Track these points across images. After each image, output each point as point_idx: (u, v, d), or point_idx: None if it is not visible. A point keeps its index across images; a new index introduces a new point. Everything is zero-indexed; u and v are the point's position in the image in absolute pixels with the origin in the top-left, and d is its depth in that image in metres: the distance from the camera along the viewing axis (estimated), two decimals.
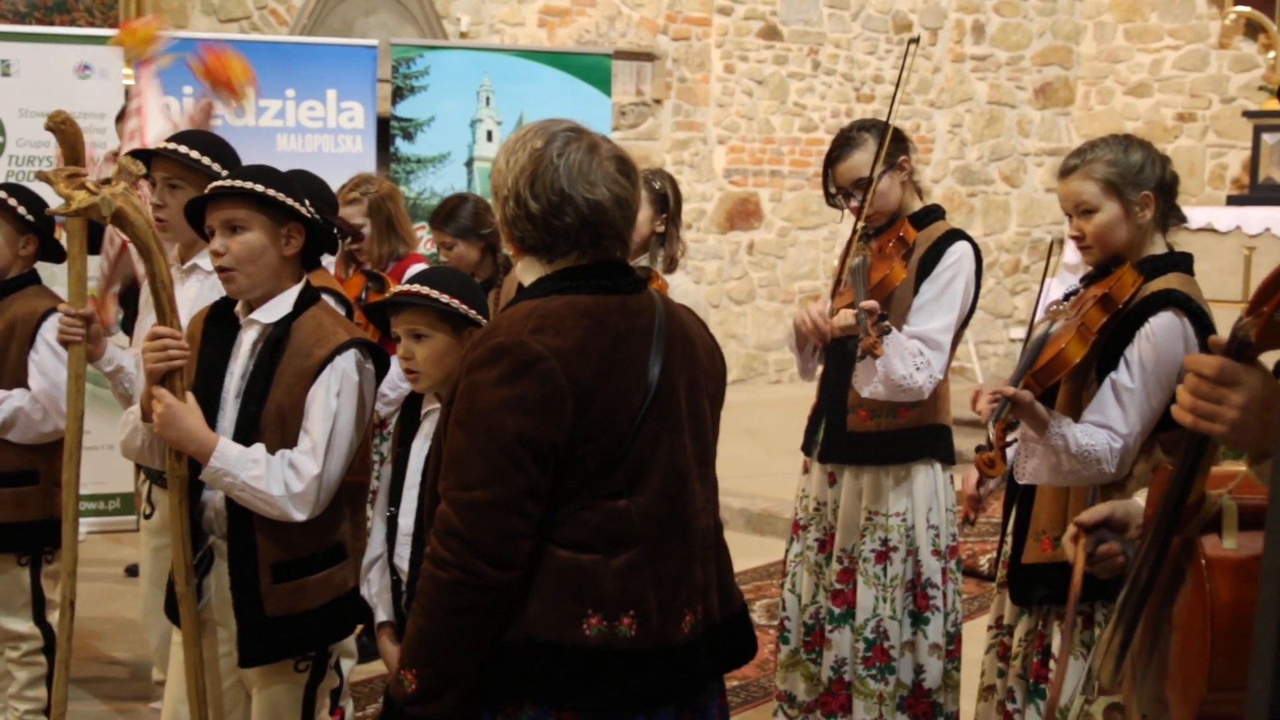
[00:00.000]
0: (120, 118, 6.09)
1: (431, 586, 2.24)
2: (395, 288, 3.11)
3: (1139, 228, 3.11)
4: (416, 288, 2.93)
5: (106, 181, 2.99)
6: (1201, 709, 1.83)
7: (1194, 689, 1.85)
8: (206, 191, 2.98)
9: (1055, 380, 3.05)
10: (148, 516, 3.95)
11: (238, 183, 2.94)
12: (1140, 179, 3.08)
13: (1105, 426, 2.97)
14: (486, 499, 2.20)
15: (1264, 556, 1.23)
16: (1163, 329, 2.96)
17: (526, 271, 2.39)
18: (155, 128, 4.77)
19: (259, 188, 2.93)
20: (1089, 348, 3.00)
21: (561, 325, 2.24)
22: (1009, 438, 3.05)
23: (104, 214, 2.92)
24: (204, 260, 3.59)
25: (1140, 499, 2.29)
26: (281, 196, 2.95)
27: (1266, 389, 1.78)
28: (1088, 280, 3.19)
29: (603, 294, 2.32)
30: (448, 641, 2.24)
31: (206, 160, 3.48)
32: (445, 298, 2.90)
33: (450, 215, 4.92)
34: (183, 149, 3.49)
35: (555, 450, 2.22)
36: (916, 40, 3.78)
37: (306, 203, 3.05)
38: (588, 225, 2.31)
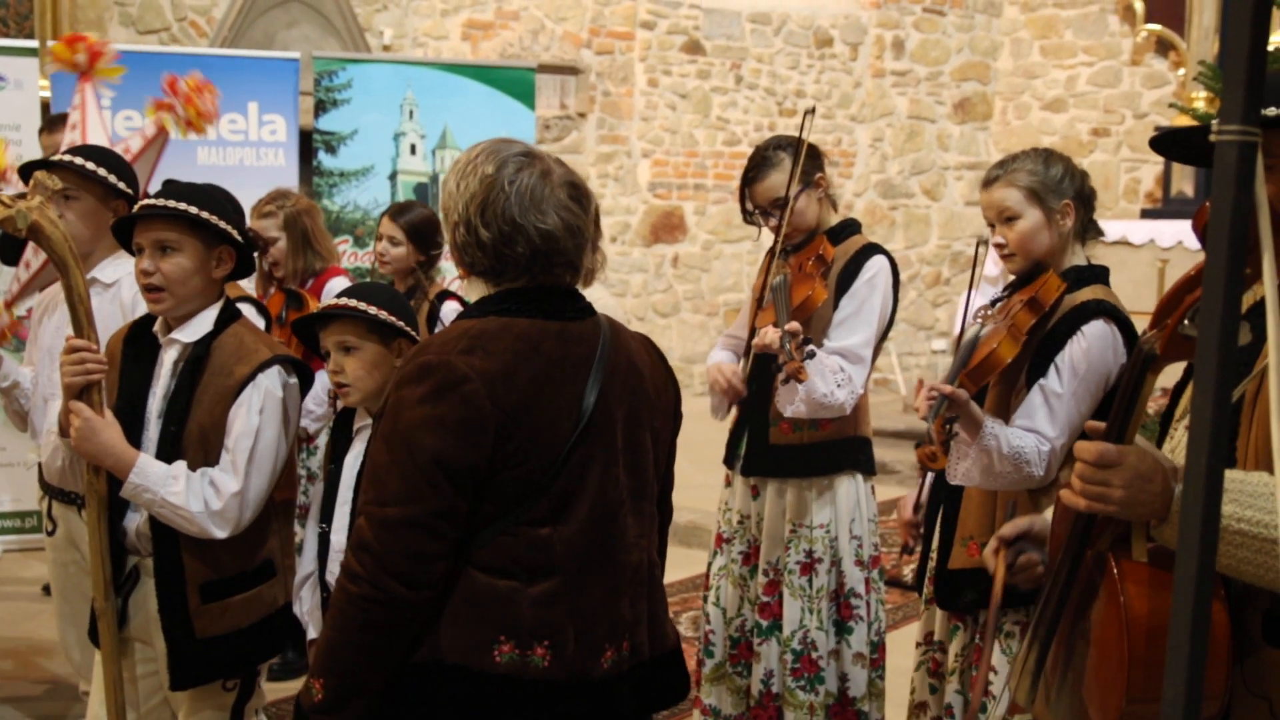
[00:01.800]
0: (45, 129, 5.99)
1: (342, 599, 2.23)
2: (319, 305, 3.10)
3: (1060, 236, 3.19)
4: (345, 300, 2.93)
5: (22, 195, 2.96)
6: None
7: (1112, 702, 1.88)
8: (137, 209, 2.95)
9: (988, 379, 3.11)
10: (50, 533, 3.88)
11: (172, 204, 2.90)
12: (1061, 188, 3.17)
13: (1033, 431, 3.04)
14: (400, 517, 2.19)
15: (1176, 565, 1.27)
16: (1095, 337, 3.04)
17: (473, 291, 2.39)
18: (94, 142, 4.70)
19: (194, 210, 2.90)
20: (1020, 348, 3.07)
21: (492, 347, 2.22)
22: (950, 431, 3.09)
23: (19, 227, 2.89)
24: (102, 273, 3.55)
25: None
26: (216, 220, 2.93)
27: (1144, 463, 1.89)
28: (1012, 288, 3.26)
29: (542, 319, 2.29)
30: (354, 655, 2.23)
31: (103, 172, 3.46)
32: (374, 309, 2.90)
33: (405, 210, 4.88)
34: (79, 160, 3.46)
35: (474, 473, 2.20)
36: (812, 111, 3.77)
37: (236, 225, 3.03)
38: (539, 254, 2.28)
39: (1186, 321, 1.87)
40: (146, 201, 2.95)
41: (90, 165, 3.46)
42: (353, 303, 2.91)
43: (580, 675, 2.27)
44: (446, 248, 3.93)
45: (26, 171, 3.46)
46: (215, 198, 3.01)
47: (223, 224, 2.94)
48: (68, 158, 3.49)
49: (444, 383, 2.18)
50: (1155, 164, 10.77)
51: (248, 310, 4.33)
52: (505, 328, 2.26)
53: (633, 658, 2.36)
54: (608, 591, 2.32)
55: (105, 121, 4.85)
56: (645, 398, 2.40)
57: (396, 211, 4.89)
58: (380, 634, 2.21)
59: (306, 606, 3.05)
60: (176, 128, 4.58)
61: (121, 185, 3.51)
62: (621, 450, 2.34)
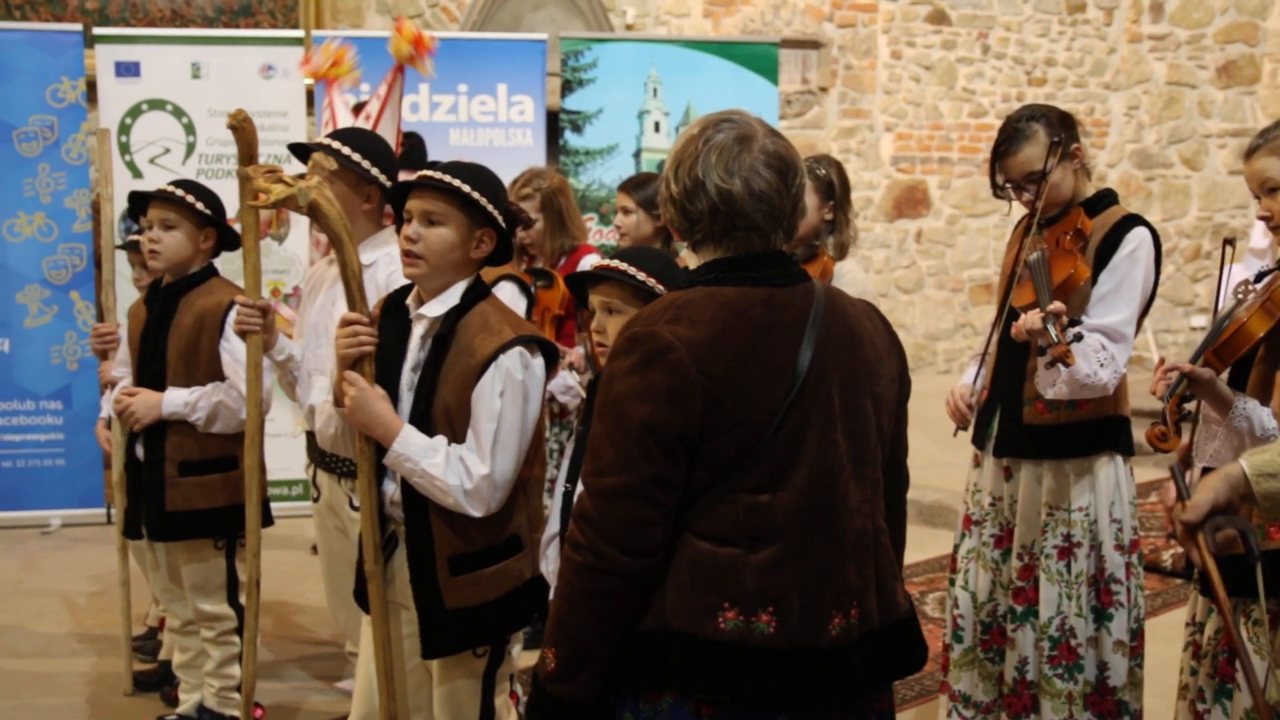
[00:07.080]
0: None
1: (567, 569, 2.27)
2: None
3: None
4: (615, 263, 2.97)
5: (301, 176, 3.11)
6: None
7: None
8: (416, 178, 3.05)
9: (1238, 356, 2.96)
10: (315, 500, 4.09)
11: (445, 177, 3.00)
12: None
13: None
14: (616, 486, 2.22)
15: None
16: None
17: (689, 260, 2.42)
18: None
19: (465, 187, 2.99)
20: (1274, 322, 2.90)
21: (698, 316, 2.24)
22: (1184, 411, 2.98)
23: (300, 204, 3.03)
24: (362, 254, 3.70)
25: (1241, 462, 2.20)
26: (484, 201, 3.01)
27: None
28: None
29: (749, 286, 2.29)
30: (582, 624, 2.26)
31: (357, 157, 3.62)
32: (642, 275, 2.93)
33: (641, 184, 4.95)
34: (335, 144, 3.64)
35: (683, 440, 2.21)
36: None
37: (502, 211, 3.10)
38: (718, 214, 2.29)
39: None
40: (424, 172, 3.04)
41: (346, 150, 3.62)
42: (621, 265, 2.95)
43: (807, 642, 2.25)
44: None
45: (299, 151, 3.64)
46: (489, 181, 3.08)
47: (490, 207, 3.02)
48: (326, 141, 3.67)
49: (650, 352, 2.22)
50: None
51: (510, 288, 4.47)
52: (710, 296, 2.27)
53: (862, 625, 2.32)
54: (832, 557, 2.29)
55: (349, 104, 5.05)
56: (864, 363, 2.37)
57: (633, 186, 4.97)
58: (605, 602, 2.24)
59: (552, 566, 3.11)
60: (399, 51, 4.72)
61: (375, 171, 3.65)
62: (839, 415, 2.31)
